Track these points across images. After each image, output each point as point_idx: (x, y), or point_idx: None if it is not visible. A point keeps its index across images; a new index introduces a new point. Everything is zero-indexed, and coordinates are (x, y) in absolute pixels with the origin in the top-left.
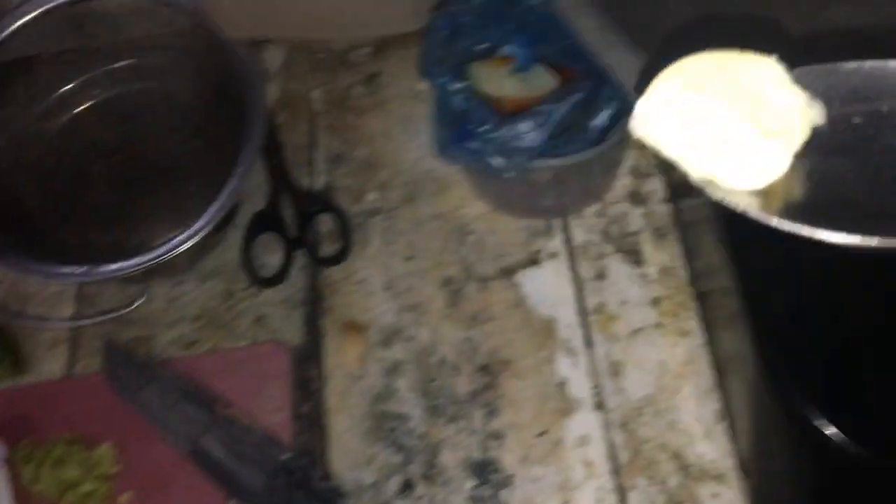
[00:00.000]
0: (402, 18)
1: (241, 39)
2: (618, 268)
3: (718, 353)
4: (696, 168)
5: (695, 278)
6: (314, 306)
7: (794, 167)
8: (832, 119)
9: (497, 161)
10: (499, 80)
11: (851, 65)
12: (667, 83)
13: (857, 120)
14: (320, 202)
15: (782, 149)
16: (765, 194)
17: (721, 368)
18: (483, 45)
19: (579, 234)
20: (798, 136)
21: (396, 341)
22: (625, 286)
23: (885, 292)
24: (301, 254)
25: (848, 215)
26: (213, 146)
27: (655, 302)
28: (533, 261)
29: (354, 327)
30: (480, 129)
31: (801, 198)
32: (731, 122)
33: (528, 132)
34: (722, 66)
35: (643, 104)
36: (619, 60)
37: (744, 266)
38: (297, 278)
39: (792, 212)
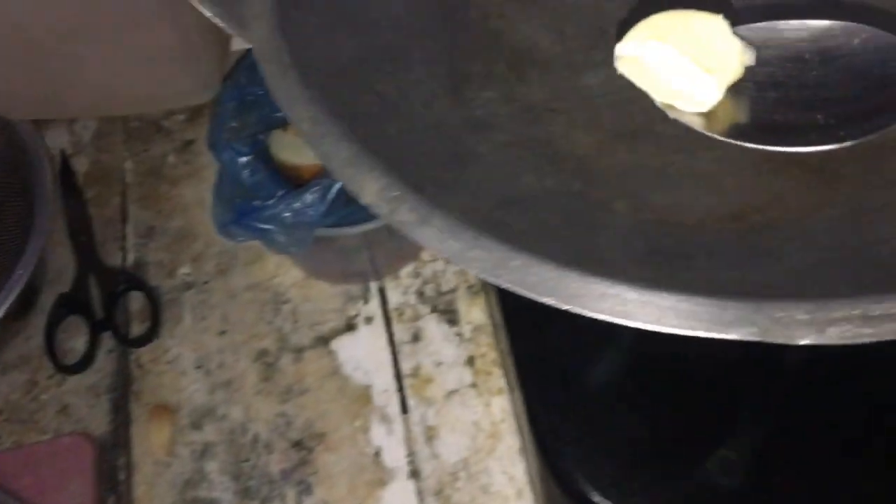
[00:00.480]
0: (193, 91)
1: (28, 119)
2: (433, 328)
3: (517, 413)
4: (658, 96)
5: (498, 337)
6: (122, 391)
7: (730, 97)
8: (768, 61)
9: (279, 237)
10: (296, 148)
11: (783, 23)
12: (638, 33)
13: (786, 64)
14: (129, 279)
15: (717, 82)
16: (708, 116)
17: (521, 429)
18: (282, 112)
19: (395, 296)
20: (732, 73)
21: (208, 422)
22: (440, 346)
23: (660, 370)
24: (109, 336)
25: (771, 133)
26: (2, 233)
27: (470, 361)
28: (349, 326)
29: (164, 410)
30: (264, 205)
31: (739, 120)
32: (681, 62)
33: (309, 205)
34: (680, 21)
35: (621, 47)
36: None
37: (517, 331)
38: (105, 362)
39: (730, 130)
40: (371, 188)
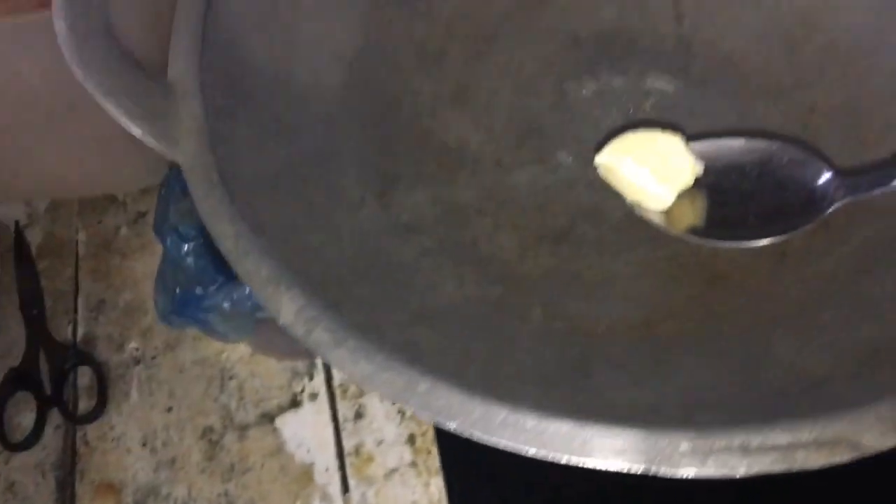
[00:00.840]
0: (142, 175)
1: None
2: (376, 405)
3: None
4: (628, 196)
5: None
6: (69, 469)
7: (683, 199)
8: (717, 172)
9: (219, 326)
10: None
11: (732, 140)
12: (611, 148)
13: (731, 174)
14: (78, 355)
15: (670, 190)
16: (667, 214)
17: None
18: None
19: (340, 373)
20: (684, 183)
21: (152, 501)
22: (382, 424)
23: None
24: (56, 412)
25: (711, 231)
26: None
27: (411, 439)
28: (294, 403)
29: (109, 489)
30: (204, 293)
31: (688, 219)
32: (643, 172)
33: (248, 295)
34: (645, 138)
35: (599, 158)
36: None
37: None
38: (52, 439)
39: (681, 227)
40: (289, 309)
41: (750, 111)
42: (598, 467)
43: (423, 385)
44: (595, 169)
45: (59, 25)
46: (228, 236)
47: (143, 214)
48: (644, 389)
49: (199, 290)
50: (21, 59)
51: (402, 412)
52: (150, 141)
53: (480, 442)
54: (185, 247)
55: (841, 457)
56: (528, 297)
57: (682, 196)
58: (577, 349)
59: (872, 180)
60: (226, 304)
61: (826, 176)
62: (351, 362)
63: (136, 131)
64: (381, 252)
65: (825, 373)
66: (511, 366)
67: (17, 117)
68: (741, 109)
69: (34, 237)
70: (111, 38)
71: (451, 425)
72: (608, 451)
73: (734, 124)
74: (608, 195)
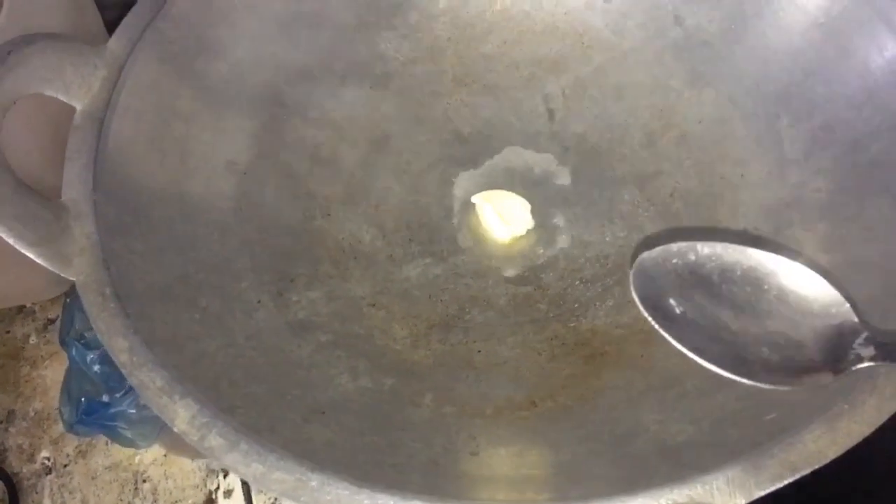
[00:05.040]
0: (46, 288)
1: None
2: None
3: None
4: (489, 229)
5: None
6: None
7: (516, 239)
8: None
9: (125, 433)
10: None
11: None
12: (481, 197)
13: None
14: None
15: (509, 231)
16: (507, 246)
17: None
18: None
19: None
20: (521, 229)
21: None
22: None
23: None
24: None
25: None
26: None
27: None
28: (210, 502)
29: None
30: (110, 400)
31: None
32: (494, 215)
33: None
34: (502, 194)
35: (473, 198)
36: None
37: None
38: None
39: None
40: (182, 416)
41: (618, 197)
42: None
43: (314, 481)
44: (476, 258)
45: None
46: (123, 350)
47: (52, 321)
48: (523, 467)
49: (105, 398)
50: None
51: None
52: (43, 262)
53: None
54: (91, 355)
55: None
56: (419, 385)
57: (517, 240)
58: (465, 433)
59: None
60: (132, 411)
61: (852, 320)
62: (244, 464)
63: (29, 254)
64: (278, 351)
65: (683, 440)
66: (401, 454)
67: None
68: (611, 196)
69: None
70: (3, 167)
71: None
72: None
73: (606, 210)
74: (494, 282)
